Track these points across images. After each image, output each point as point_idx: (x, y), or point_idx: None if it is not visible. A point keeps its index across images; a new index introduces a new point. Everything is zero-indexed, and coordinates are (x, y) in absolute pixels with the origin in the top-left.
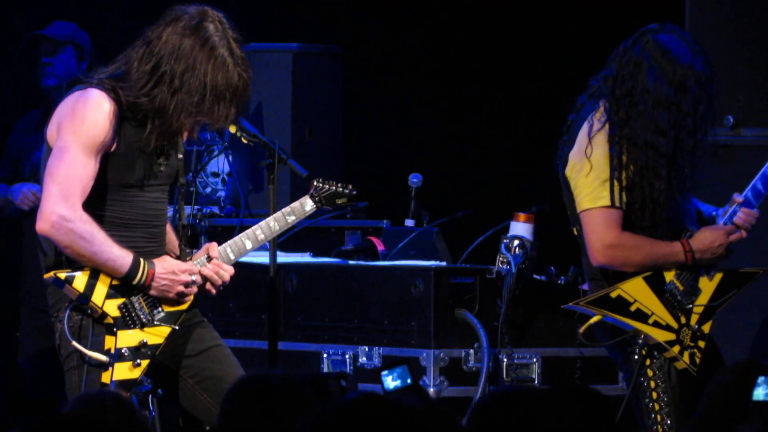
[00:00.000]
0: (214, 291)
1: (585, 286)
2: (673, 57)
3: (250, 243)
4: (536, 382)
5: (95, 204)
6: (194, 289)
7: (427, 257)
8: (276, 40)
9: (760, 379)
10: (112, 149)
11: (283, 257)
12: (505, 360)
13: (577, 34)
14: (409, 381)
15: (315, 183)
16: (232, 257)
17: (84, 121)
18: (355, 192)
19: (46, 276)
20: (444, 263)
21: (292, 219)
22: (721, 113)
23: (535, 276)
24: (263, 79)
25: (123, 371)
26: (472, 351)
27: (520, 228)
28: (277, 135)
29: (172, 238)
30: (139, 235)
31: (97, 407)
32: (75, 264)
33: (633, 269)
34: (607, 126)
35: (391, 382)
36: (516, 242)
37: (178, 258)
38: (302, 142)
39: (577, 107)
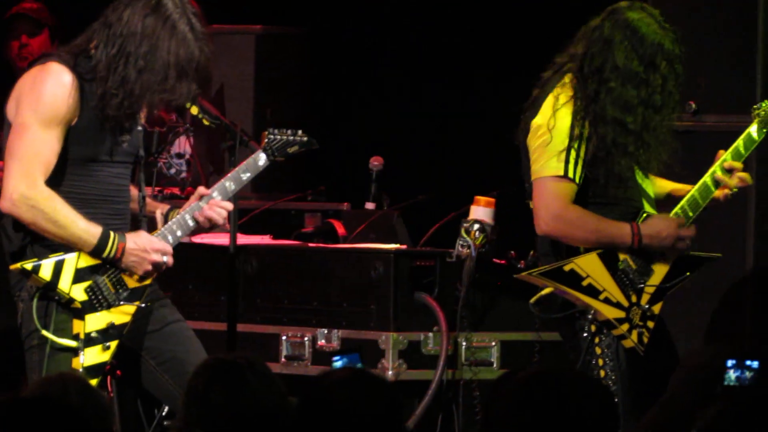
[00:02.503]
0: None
1: None
2: (643, 35)
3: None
4: (495, 366)
5: (56, 180)
6: (163, 268)
7: (387, 240)
8: (239, 22)
9: (729, 362)
10: (74, 122)
11: (242, 239)
12: (464, 344)
13: (538, 12)
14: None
15: (267, 135)
16: (180, 234)
17: (43, 95)
18: (305, 138)
19: (11, 267)
20: (404, 246)
21: (247, 176)
22: (683, 99)
23: (494, 260)
24: (226, 61)
25: (94, 355)
26: (431, 334)
27: (481, 212)
28: (239, 117)
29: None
30: (103, 212)
31: (60, 389)
32: (40, 244)
33: (577, 244)
34: (572, 101)
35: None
36: (476, 226)
37: (135, 228)
38: (264, 124)
39: (542, 82)
